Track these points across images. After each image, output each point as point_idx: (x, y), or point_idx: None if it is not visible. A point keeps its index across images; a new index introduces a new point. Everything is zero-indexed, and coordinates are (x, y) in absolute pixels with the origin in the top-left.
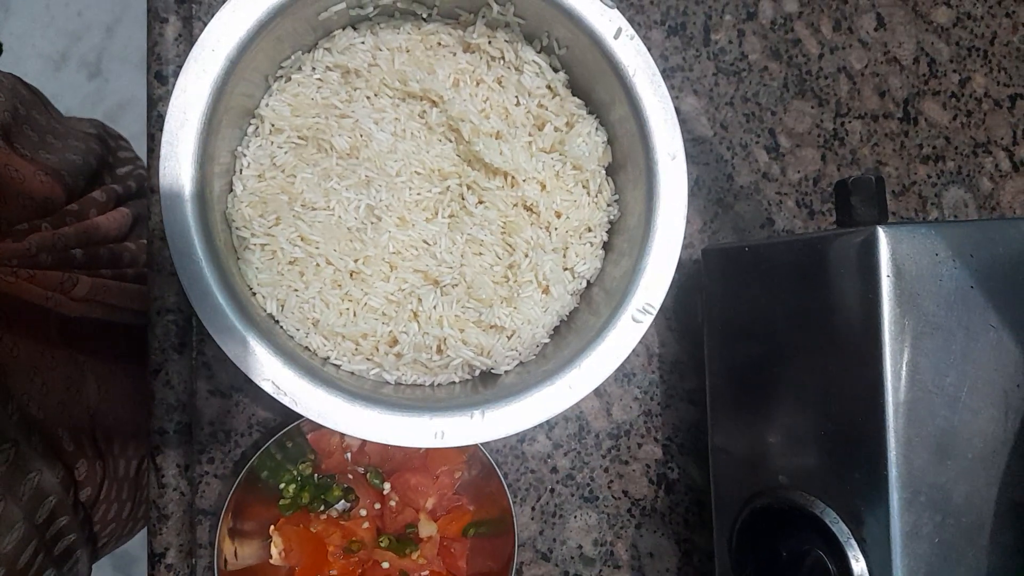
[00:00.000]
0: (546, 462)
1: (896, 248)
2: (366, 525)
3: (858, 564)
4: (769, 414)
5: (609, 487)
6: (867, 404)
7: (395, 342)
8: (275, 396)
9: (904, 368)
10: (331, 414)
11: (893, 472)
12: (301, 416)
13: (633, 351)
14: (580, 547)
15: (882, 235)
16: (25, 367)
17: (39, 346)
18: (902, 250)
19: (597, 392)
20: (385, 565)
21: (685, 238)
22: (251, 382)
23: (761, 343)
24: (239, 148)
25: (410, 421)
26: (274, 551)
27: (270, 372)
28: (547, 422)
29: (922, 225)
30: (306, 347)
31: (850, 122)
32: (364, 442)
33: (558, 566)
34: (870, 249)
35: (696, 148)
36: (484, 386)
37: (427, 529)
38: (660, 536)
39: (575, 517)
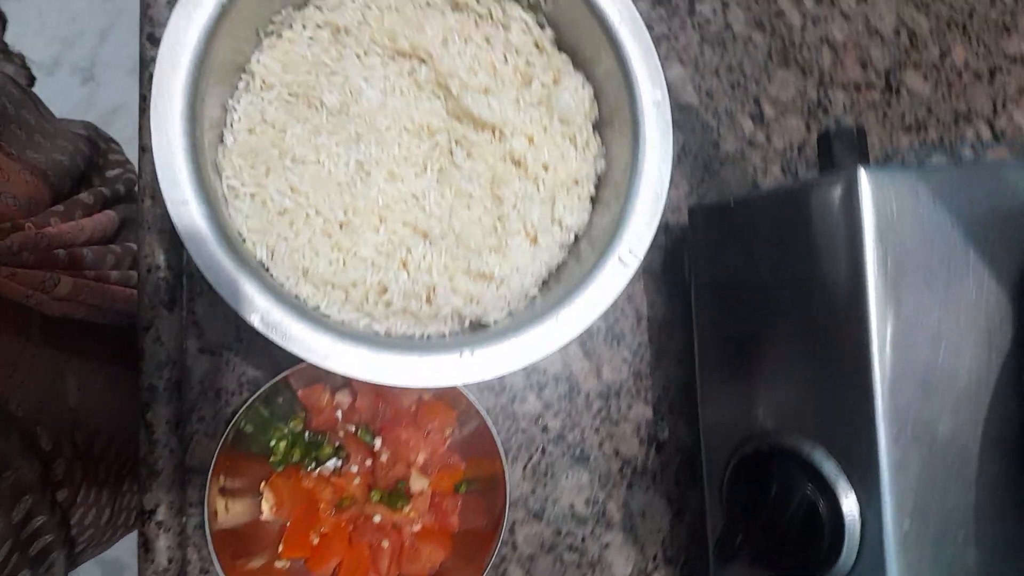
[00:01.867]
0: (537, 422)
1: (877, 189)
2: (357, 481)
3: (847, 500)
4: (757, 365)
5: (600, 447)
6: (853, 342)
7: (384, 290)
8: (263, 332)
9: (888, 305)
10: (319, 350)
11: (879, 407)
12: (287, 369)
13: (622, 312)
14: (572, 506)
15: (863, 176)
16: (5, 363)
17: (20, 343)
18: (884, 192)
19: (587, 353)
20: (377, 519)
21: (672, 202)
22: (240, 340)
23: (748, 296)
24: (230, 102)
25: (399, 359)
26: (265, 506)
27: (260, 307)
28: (537, 383)
29: (902, 168)
30: (296, 295)
31: (833, 91)
32: (354, 399)
33: (550, 524)
34: (852, 190)
35: (682, 115)
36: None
37: (418, 483)
38: (652, 495)
39: (566, 476)
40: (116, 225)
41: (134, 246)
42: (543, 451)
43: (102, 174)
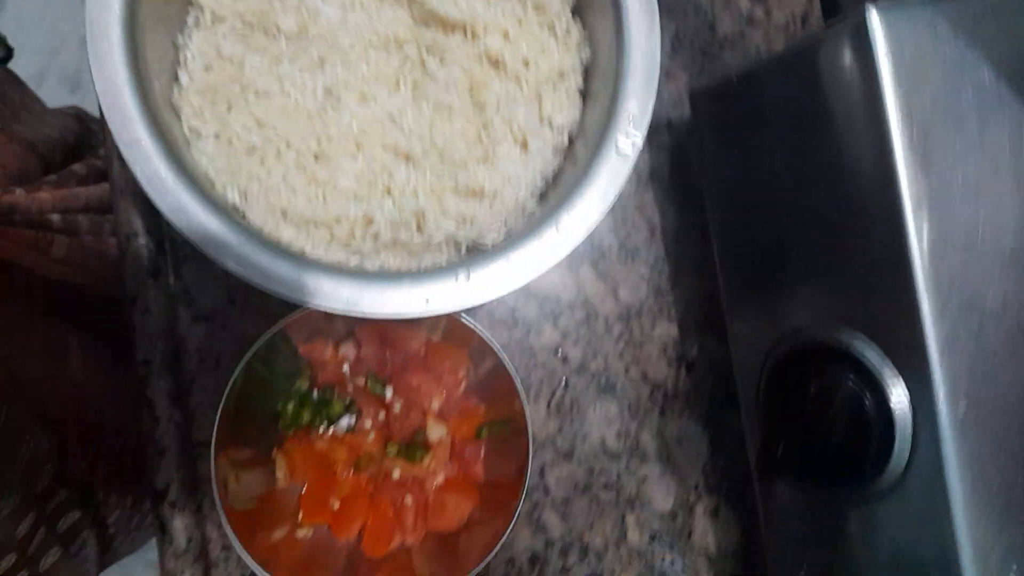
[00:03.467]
0: (556, 354)
1: (891, 29)
2: (372, 436)
3: (895, 389)
4: (782, 260)
5: (626, 373)
6: (883, 210)
7: (370, 221)
8: (241, 275)
9: (918, 162)
10: (305, 287)
11: (920, 278)
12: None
13: (633, 225)
14: (603, 441)
15: (874, 15)
16: (2, 328)
17: (19, 310)
18: (898, 31)
19: (600, 274)
20: (396, 475)
21: (672, 96)
22: (234, 303)
23: (764, 185)
24: (180, 39)
25: (393, 290)
26: (279, 474)
27: (234, 249)
28: (551, 313)
29: (916, 2)
30: (277, 240)
31: None
32: (359, 349)
33: (582, 463)
34: (862, 37)
35: None
36: None
37: (436, 432)
38: (687, 420)
39: (593, 409)
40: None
41: None
42: (566, 384)
43: (95, 152)
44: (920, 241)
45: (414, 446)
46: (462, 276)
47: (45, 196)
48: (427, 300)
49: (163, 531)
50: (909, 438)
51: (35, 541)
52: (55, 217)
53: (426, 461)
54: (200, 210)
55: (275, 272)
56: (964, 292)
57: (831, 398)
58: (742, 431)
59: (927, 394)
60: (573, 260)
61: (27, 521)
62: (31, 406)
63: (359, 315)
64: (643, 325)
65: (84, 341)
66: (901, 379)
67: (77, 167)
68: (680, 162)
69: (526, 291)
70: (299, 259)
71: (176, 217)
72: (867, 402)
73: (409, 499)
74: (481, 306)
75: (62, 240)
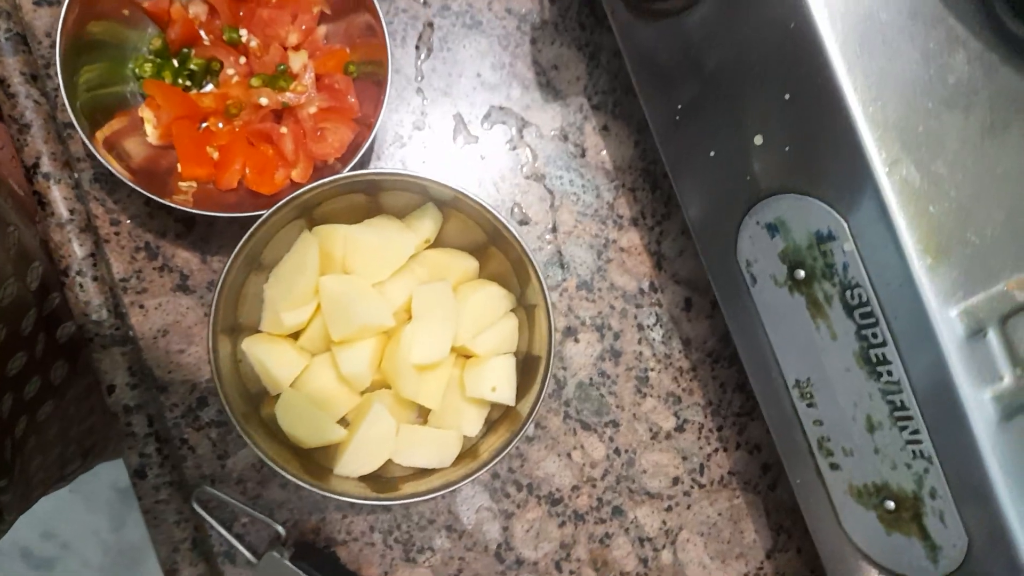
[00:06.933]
0: None
1: None
2: (236, 79)
3: None
4: None
5: (489, 8)
6: None
7: None
8: None
9: None
10: None
11: None
12: None
13: None
14: (478, 74)
15: None
16: None
17: None
18: None
19: None
20: (263, 101)
21: None
22: None
23: None
24: None
25: None
26: (148, 128)
27: None
28: None
29: None
30: None
31: None
32: (209, 7)
33: (460, 98)
34: None
35: None
36: None
37: (297, 60)
38: (559, 46)
39: (464, 47)
40: None
41: None
42: (431, 26)
43: None
44: None
45: (277, 75)
46: None
47: None
48: None
49: (42, 205)
50: None
51: (39, 345)
52: None
53: (292, 87)
54: None
55: None
56: None
57: None
58: (617, 49)
59: None
60: None
61: (29, 319)
62: (8, 192)
63: None
64: None
65: None
66: None
67: None
68: None
69: None
70: None
71: None
72: None
73: (284, 129)
74: None
75: None
